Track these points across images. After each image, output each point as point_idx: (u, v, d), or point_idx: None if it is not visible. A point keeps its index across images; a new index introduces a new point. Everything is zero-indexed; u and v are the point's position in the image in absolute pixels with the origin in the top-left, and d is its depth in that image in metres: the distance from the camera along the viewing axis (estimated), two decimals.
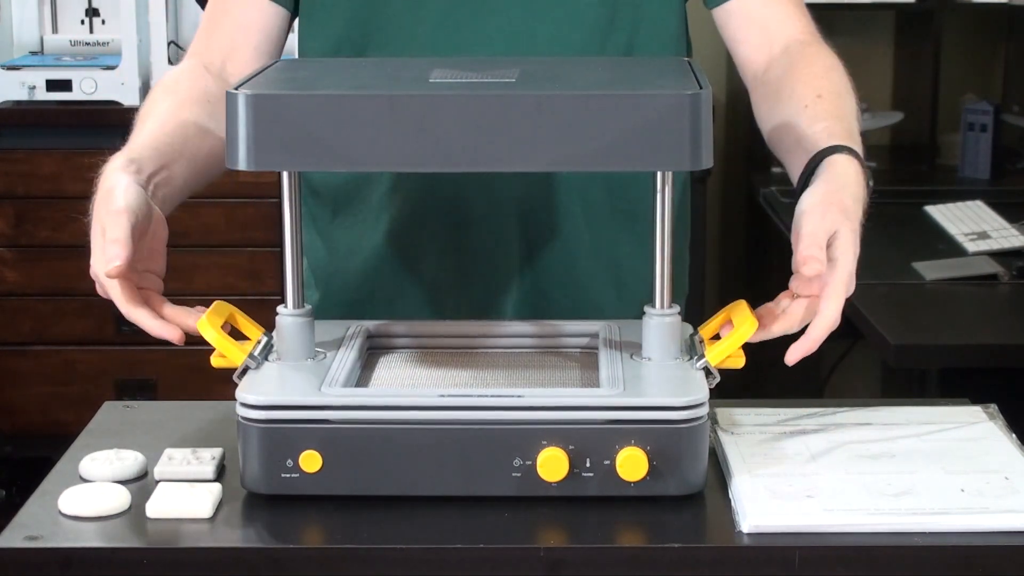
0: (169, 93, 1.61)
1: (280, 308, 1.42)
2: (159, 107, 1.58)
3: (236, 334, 1.42)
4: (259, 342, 1.42)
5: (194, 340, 1.41)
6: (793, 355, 1.36)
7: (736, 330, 1.37)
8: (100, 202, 1.41)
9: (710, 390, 1.35)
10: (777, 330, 1.39)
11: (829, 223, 1.38)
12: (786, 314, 1.39)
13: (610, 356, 1.42)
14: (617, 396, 1.32)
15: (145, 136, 1.52)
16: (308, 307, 1.43)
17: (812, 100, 1.56)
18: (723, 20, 1.70)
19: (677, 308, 1.41)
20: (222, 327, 1.40)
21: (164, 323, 1.40)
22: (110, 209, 1.39)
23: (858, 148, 1.49)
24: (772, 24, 1.67)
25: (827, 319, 1.36)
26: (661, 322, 1.40)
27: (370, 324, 1.53)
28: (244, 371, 1.38)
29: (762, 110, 1.65)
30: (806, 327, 1.37)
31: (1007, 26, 3.89)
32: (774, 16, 1.67)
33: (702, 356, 1.38)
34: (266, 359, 1.41)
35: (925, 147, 3.81)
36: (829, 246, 1.37)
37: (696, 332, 1.44)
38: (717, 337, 1.41)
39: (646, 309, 1.41)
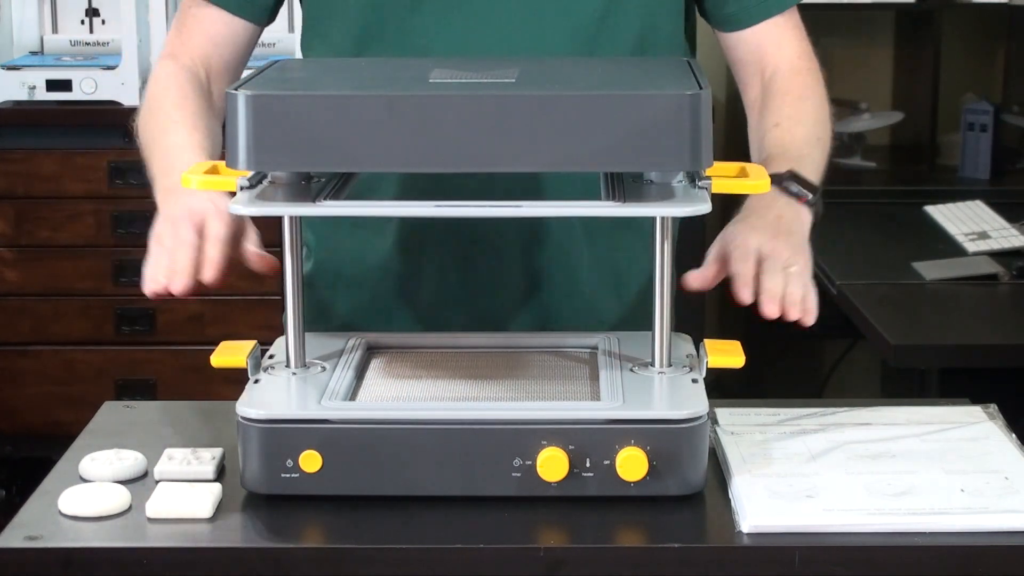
0: (177, 108, 1.63)
1: None
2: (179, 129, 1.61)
3: None
4: None
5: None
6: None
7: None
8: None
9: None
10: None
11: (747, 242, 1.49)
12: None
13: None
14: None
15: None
16: None
17: (769, 128, 1.66)
18: (729, 44, 1.75)
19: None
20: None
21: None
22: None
23: (804, 172, 1.58)
24: (769, 50, 1.72)
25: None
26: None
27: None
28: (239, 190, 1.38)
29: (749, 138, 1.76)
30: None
31: (1007, 26, 3.88)
32: (771, 42, 1.72)
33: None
34: None
35: (925, 147, 3.80)
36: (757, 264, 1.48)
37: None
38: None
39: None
